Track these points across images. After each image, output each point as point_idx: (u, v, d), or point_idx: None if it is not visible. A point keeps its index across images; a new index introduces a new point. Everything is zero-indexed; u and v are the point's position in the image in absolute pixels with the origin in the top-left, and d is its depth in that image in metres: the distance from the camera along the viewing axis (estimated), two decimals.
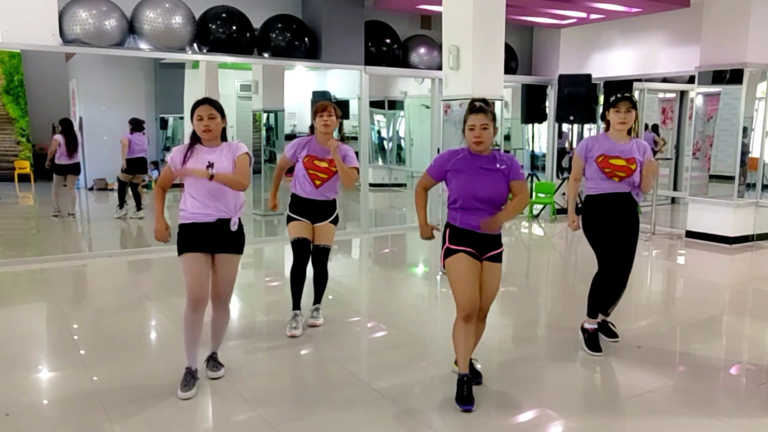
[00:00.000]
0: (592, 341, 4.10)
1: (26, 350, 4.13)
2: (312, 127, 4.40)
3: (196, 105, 3.43)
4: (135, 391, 3.45)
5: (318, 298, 4.60)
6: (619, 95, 4.10)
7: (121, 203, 8.53)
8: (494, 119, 3.39)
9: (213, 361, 3.66)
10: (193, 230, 3.41)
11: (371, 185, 8.87)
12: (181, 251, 3.42)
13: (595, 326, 4.14)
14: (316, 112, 4.32)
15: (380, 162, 13.06)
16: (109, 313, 4.92)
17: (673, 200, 10.86)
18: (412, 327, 4.56)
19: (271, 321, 4.66)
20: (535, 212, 9.84)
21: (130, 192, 8.58)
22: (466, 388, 3.30)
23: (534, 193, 10.12)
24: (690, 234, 7.98)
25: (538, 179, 10.31)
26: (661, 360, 4.02)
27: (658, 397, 3.45)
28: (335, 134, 4.42)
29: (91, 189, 9.14)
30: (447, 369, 3.75)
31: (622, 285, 4.17)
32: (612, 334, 4.28)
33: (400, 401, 3.38)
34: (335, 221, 4.51)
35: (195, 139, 3.45)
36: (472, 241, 3.35)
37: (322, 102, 4.39)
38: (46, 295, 5.66)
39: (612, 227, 4.05)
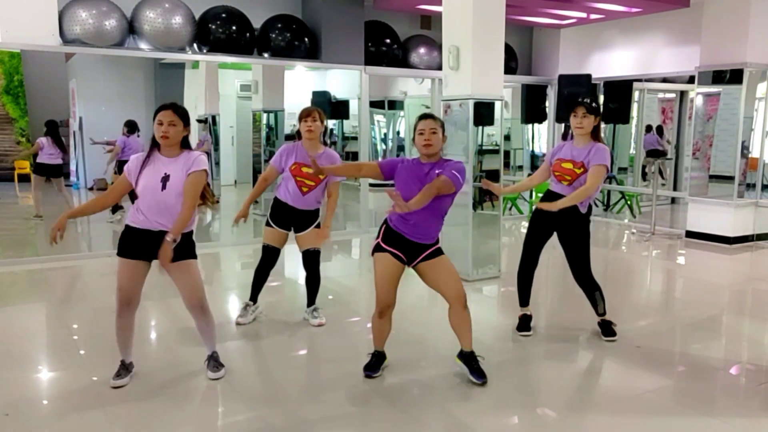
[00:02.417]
0: (520, 323, 4.46)
1: (26, 350, 4.13)
2: (299, 132, 4.43)
3: (159, 109, 3.34)
4: (134, 390, 3.45)
5: (312, 299, 4.63)
6: (579, 100, 4.11)
7: (114, 208, 8.45)
8: (443, 126, 3.49)
9: (214, 362, 3.65)
10: (135, 235, 3.35)
11: (371, 185, 8.86)
12: (118, 253, 3.38)
13: (524, 313, 4.47)
14: (300, 117, 4.36)
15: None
16: (109, 313, 4.89)
17: (673, 200, 10.86)
18: (412, 327, 4.55)
19: (271, 321, 4.66)
20: None
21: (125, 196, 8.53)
22: (375, 359, 3.68)
23: (534, 193, 10.12)
24: (690, 234, 7.97)
25: None
26: (660, 360, 4.02)
27: (657, 397, 3.45)
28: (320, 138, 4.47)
29: (91, 189, 9.14)
30: (447, 369, 3.76)
31: (584, 288, 4.29)
32: (610, 333, 4.30)
33: (399, 401, 3.38)
34: (319, 227, 4.51)
35: (154, 145, 3.38)
36: (402, 245, 3.48)
37: (306, 107, 4.43)
38: (45, 295, 5.66)
39: (551, 227, 4.22)
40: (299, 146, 4.40)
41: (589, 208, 4.18)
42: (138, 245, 3.35)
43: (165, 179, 3.30)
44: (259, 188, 4.52)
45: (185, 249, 3.39)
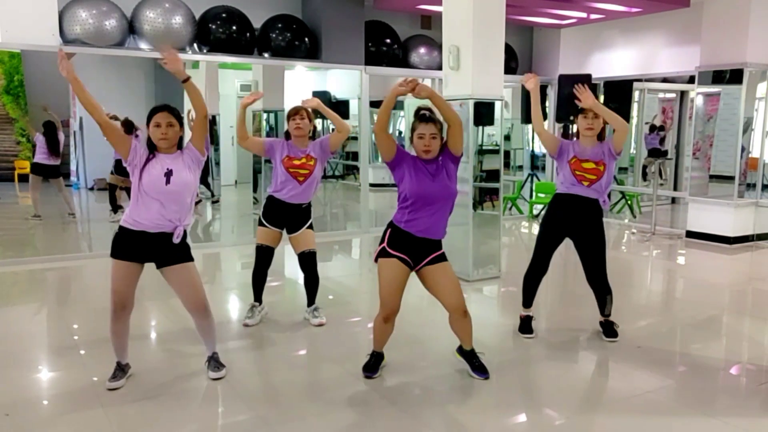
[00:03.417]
0: (522, 325, 4.45)
1: (26, 350, 4.13)
2: (287, 133, 4.45)
3: (154, 111, 3.37)
4: (134, 391, 3.45)
5: (312, 299, 4.64)
6: None
7: (114, 208, 8.44)
8: (441, 129, 3.45)
9: (214, 362, 3.65)
10: (130, 237, 3.34)
11: (371, 185, 8.86)
12: (112, 255, 3.37)
13: (526, 314, 4.45)
14: (288, 116, 4.40)
15: (380, 162, 13.08)
16: (109, 313, 4.91)
17: (673, 200, 10.87)
18: (412, 327, 4.55)
19: (271, 321, 4.66)
20: (535, 212, 9.84)
21: (125, 195, 8.54)
22: (374, 360, 3.67)
23: (534, 193, 10.12)
24: (690, 234, 7.98)
25: (538, 179, 10.31)
26: (660, 360, 4.02)
27: (658, 397, 3.45)
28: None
29: (91, 189, 9.15)
30: (447, 369, 3.76)
31: (598, 290, 4.29)
32: (612, 333, 4.30)
33: (399, 401, 3.38)
34: (311, 227, 4.54)
35: (152, 149, 3.39)
36: (410, 247, 3.44)
37: (294, 106, 4.45)
38: (46, 295, 5.66)
39: (566, 232, 4.22)
40: (290, 143, 4.43)
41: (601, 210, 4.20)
42: (133, 247, 3.35)
43: (168, 174, 3.33)
44: (244, 117, 4.37)
45: (181, 252, 3.41)
